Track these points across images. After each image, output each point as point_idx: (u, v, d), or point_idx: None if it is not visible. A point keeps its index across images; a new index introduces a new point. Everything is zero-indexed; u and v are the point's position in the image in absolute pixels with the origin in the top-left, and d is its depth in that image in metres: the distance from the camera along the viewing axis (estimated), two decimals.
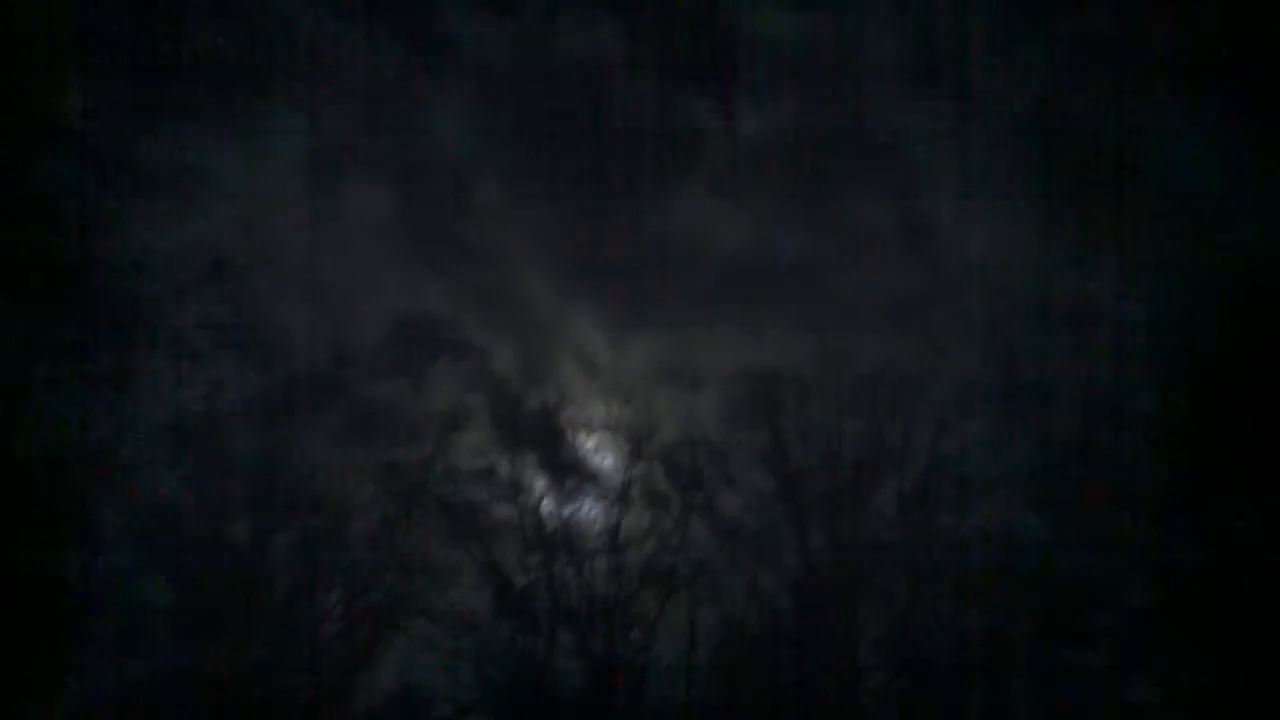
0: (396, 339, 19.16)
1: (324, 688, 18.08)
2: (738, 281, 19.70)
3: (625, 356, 19.81)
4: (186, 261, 18.20)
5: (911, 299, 19.80)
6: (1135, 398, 19.64)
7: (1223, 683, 17.77)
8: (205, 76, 17.88)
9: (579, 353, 19.74)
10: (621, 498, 19.74)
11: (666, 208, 19.68)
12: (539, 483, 19.60)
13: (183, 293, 18.38)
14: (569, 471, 19.70)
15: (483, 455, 19.48)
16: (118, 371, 18.30)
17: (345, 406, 18.90)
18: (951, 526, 20.05)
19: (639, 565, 19.60)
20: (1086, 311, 19.52)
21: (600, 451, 19.83)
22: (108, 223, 17.99)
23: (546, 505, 19.60)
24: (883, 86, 19.53)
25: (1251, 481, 18.08)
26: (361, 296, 18.95)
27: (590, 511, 19.69)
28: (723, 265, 19.80)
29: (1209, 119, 19.02)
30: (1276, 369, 18.07)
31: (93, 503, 17.74)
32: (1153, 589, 19.20)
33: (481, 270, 19.38)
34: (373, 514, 18.83)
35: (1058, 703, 19.04)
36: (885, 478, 20.22)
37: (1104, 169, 19.52)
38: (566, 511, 19.64)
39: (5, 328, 17.34)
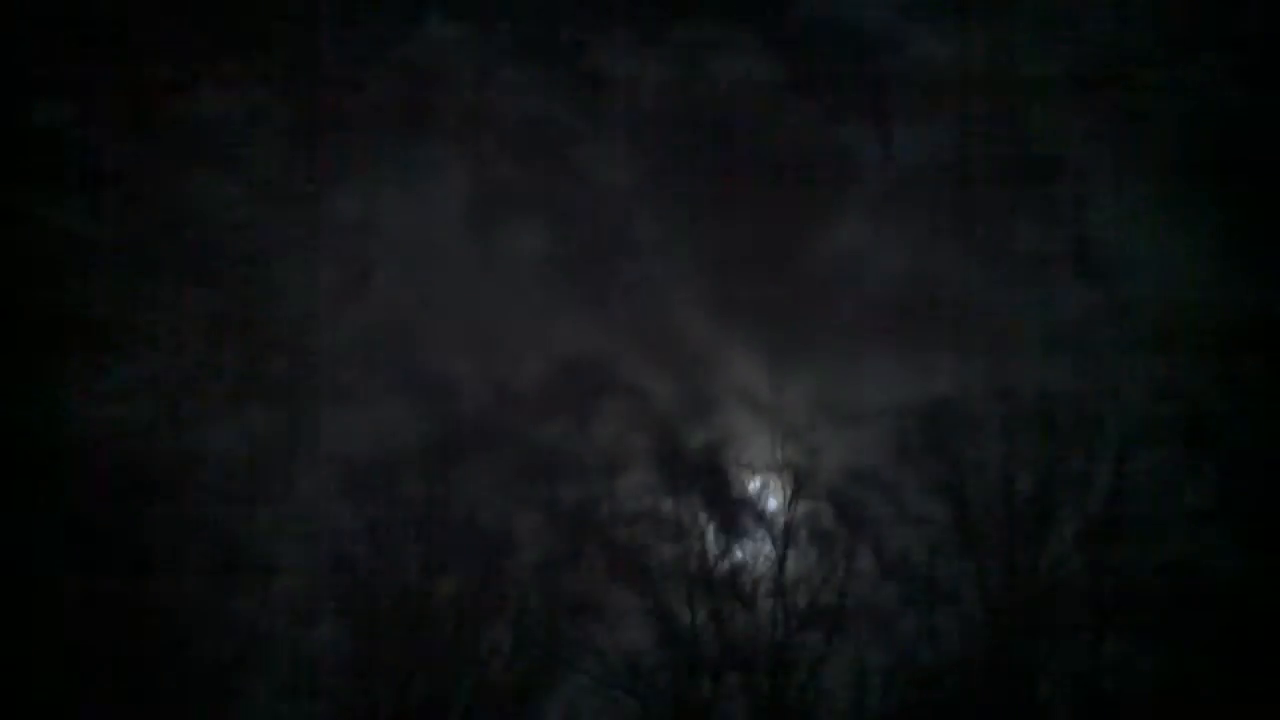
0: (558, 379, 19.25)
1: None
2: (899, 312, 19.36)
3: (786, 392, 19.53)
4: (354, 307, 18.76)
5: (1081, 324, 19.20)
6: None
7: None
8: (366, 122, 18.52)
9: (739, 389, 19.54)
10: (786, 537, 19.33)
11: (825, 238, 19.51)
12: (702, 522, 19.32)
13: (351, 340, 18.84)
14: (733, 511, 19.39)
15: (646, 495, 19.30)
16: (291, 420, 18.78)
17: (509, 447, 19.01)
18: (1135, 560, 19.25)
19: (805, 605, 19.13)
20: (1271, 334, 18.70)
21: (764, 490, 19.49)
22: (275, 268, 18.66)
23: (710, 545, 19.29)
24: (1044, 103, 19.14)
25: None
26: (522, 338, 19.14)
27: (755, 552, 19.32)
28: (883, 295, 19.49)
29: None
30: None
31: (267, 541, 18.19)
32: None
33: (641, 308, 19.40)
34: (538, 554, 18.80)
35: None
36: (1063, 510, 19.49)
37: None
38: (731, 551, 19.29)
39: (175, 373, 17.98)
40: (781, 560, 19.21)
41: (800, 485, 19.38)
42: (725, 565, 19.20)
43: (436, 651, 18.21)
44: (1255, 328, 18.68)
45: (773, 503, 19.43)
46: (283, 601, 18.03)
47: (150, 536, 17.81)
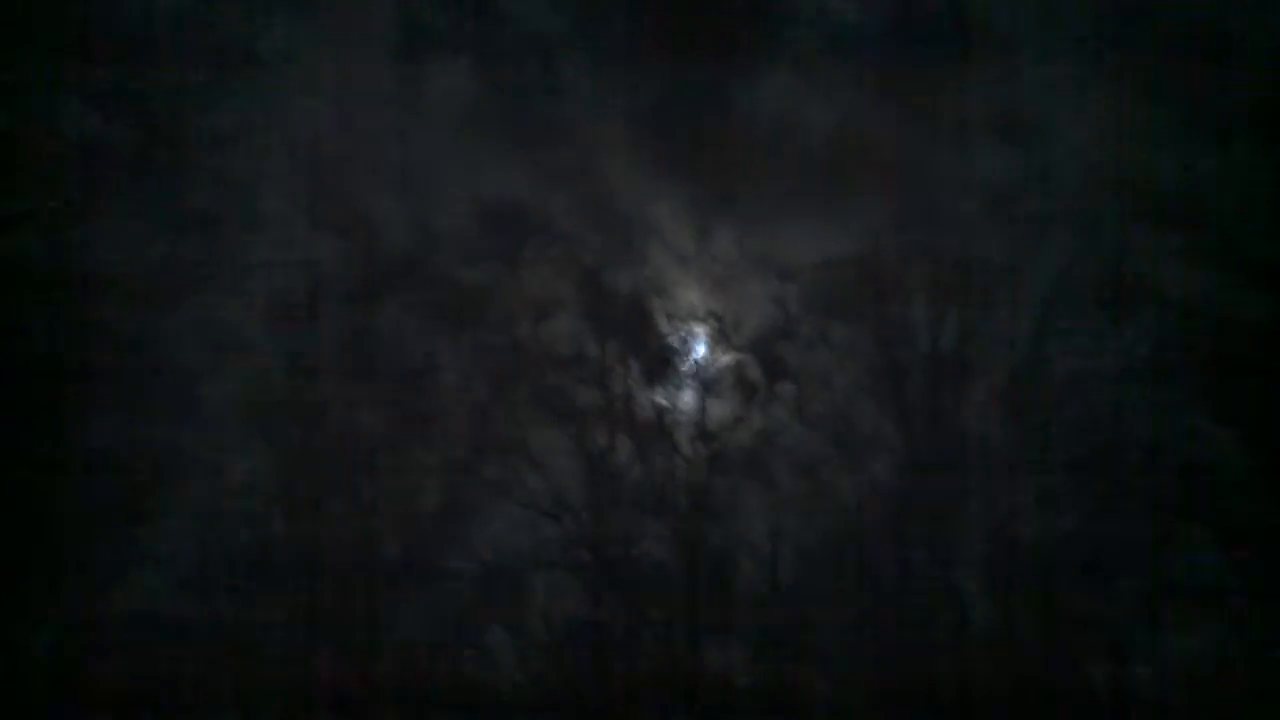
0: (484, 222, 19.11)
1: (416, 559, 18.08)
2: (826, 169, 19.42)
3: (713, 244, 19.56)
4: (279, 141, 18.44)
5: (1007, 189, 19.41)
6: (1245, 301, 19.08)
7: None
8: None
9: (666, 240, 19.52)
10: (710, 385, 19.46)
11: (755, 92, 19.43)
12: (628, 368, 19.36)
13: (273, 171, 18.54)
14: (658, 358, 19.45)
15: (573, 340, 19.30)
16: (212, 251, 18.48)
17: (434, 287, 18.90)
18: (1055, 415, 19.59)
19: (726, 448, 19.31)
20: (1194, 202, 18.97)
21: (689, 338, 19.57)
22: (201, 100, 18.31)
23: (635, 390, 19.36)
24: None
25: None
26: (448, 179, 18.93)
27: (680, 398, 19.42)
28: (811, 153, 19.51)
29: None
30: None
31: (190, 378, 17.96)
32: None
33: (568, 156, 19.24)
34: (463, 391, 18.76)
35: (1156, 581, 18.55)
36: (985, 365, 19.78)
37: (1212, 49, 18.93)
38: (655, 397, 19.38)
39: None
40: (703, 406, 19.35)
41: (725, 334, 19.50)
42: (650, 410, 19.30)
43: (361, 480, 18.17)
44: (1179, 197, 18.93)
45: (698, 351, 19.55)
46: (201, 425, 17.89)
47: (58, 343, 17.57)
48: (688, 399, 19.41)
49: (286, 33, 18.56)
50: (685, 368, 19.53)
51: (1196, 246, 18.77)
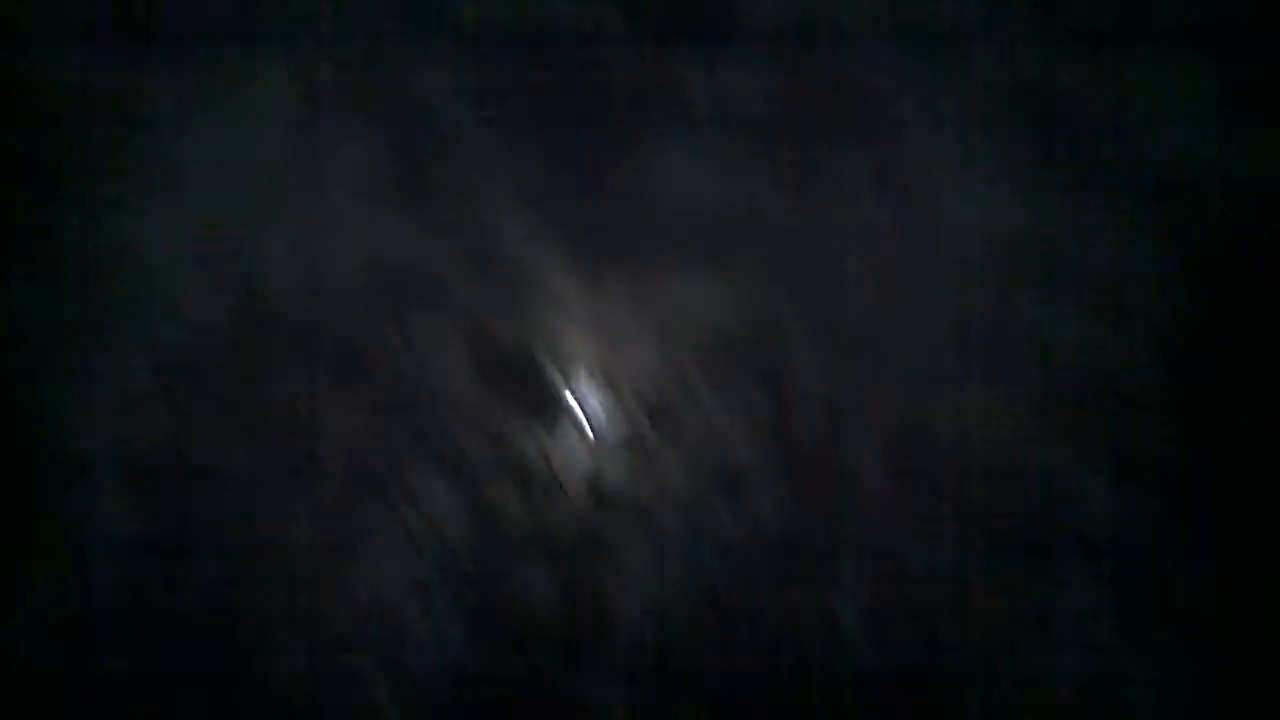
0: (375, 279, 19.39)
1: (296, 606, 17.92)
2: (718, 234, 19.98)
3: (604, 305, 19.98)
4: (168, 201, 18.77)
5: (898, 260, 19.99)
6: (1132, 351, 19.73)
7: None
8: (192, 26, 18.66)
9: (557, 300, 19.91)
10: (600, 437, 19.74)
11: (646, 163, 20.05)
12: (519, 420, 19.61)
13: (162, 231, 18.84)
14: (549, 411, 19.73)
15: (463, 393, 19.54)
16: (91, 307, 18.68)
17: (325, 342, 19.10)
18: (939, 469, 20.07)
19: (614, 496, 19.54)
20: (1085, 276, 19.66)
21: (580, 393, 19.89)
22: (94, 162, 18.67)
23: (526, 440, 19.59)
24: (873, 50, 20.00)
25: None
26: (341, 241, 19.25)
27: (570, 450, 19.67)
28: (702, 218, 20.08)
29: (1208, 84, 19.32)
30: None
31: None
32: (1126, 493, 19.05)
33: (462, 218, 19.71)
34: (354, 445, 18.85)
35: (1020, 605, 18.80)
36: (868, 437, 20.25)
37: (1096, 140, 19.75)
38: (546, 447, 19.62)
39: None
40: (595, 460, 19.59)
41: (615, 389, 19.78)
42: (540, 459, 19.51)
43: (231, 527, 18.09)
44: (1074, 270, 19.58)
45: (588, 404, 19.83)
46: (70, 474, 17.80)
47: None
48: (574, 447, 19.66)
49: (179, 99, 19.06)
50: (573, 417, 19.82)
51: (1084, 301, 19.35)
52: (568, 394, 19.75)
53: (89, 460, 18.25)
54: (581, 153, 20.01)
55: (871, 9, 20.61)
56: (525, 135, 19.86)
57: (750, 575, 19.08)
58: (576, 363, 19.76)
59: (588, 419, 19.89)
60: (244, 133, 19.23)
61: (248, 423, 18.78)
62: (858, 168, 19.92)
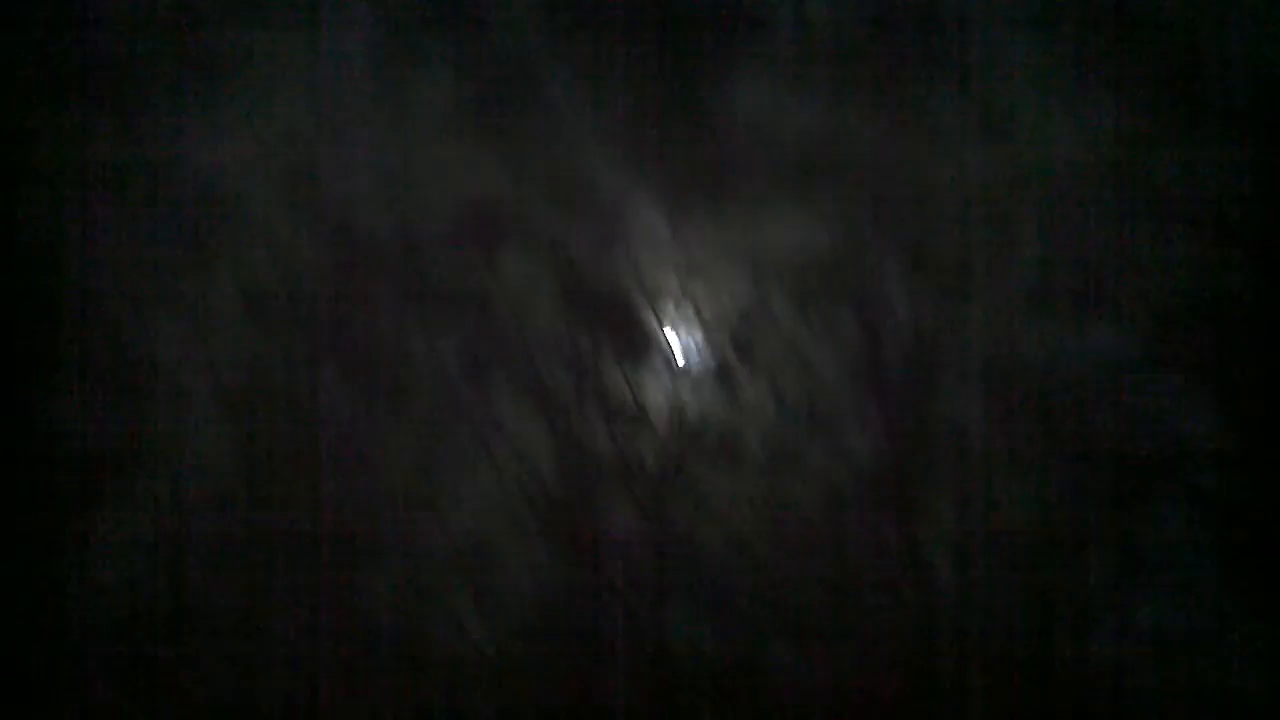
0: (465, 220, 19.38)
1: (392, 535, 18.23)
2: (806, 167, 19.66)
3: (695, 242, 19.77)
4: (262, 148, 18.99)
5: (986, 190, 19.60)
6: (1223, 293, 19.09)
7: None
8: None
9: (647, 237, 19.74)
10: (688, 368, 19.65)
11: (733, 95, 19.72)
12: (608, 355, 19.54)
13: (253, 168, 18.96)
14: (637, 346, 19.64)
15: (553, 329, 19.51)
16: (196, 247, 18.92)
17: (420, 284, 19.17)
18: (1025, 411, 19.70)
19: (702, 433, 19.46)
20: (1169, 202, 19.08)
21: (668, 328, 19.77)
22: (180, 111, 18.84)
23: (614, 375, 19.54)
24: None
25: None
26: (429, 180, 19.23)
27: (658, 385, 19.59)
28: (791, 151, 19.74)
29: None
30: None
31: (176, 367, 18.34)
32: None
33: (549, 157, 19.55)
34: (442, 378, 18.99)
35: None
36: (961, 361, 19.91)
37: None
38: (634, 382, 19.56)
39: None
40: (678, 391, 19.54)
41: (702, 320, 19.70)
42: (628, 394, 19.44)
43: (335, 457, 18.37)
44: (1165, 193, 19.02)
45: (676, 336, 19.73)
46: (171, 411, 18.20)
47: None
48: (664, 382, 19.58)
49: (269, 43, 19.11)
50: (662, 352, 19.74)
51: (1176, 238, 18.86)
52: (655, 326, 19.65)
53: (183, 389, 18.55)
54: (667, 83, 19.73)
55: None
56: (608, 68, 19.62)
57: (838, 508, 18.96)
58: (663, 295, 19.65)
59: (675, 351, 19.77)
60: (329, 68, 19.26)
61: (344, 366, 18.91)
62: (945, 97, 19.54)
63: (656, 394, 19.54)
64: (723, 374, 19.61)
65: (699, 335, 19.77)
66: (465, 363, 19.09)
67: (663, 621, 18.75)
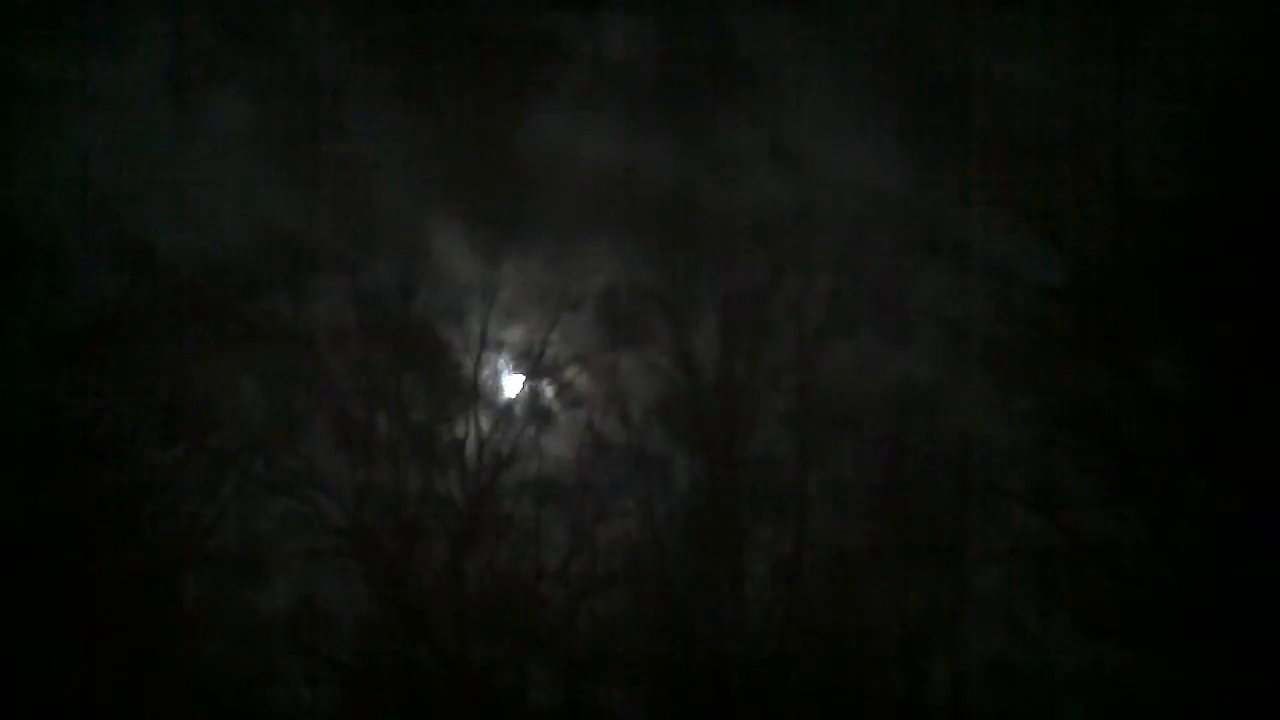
0: (269, 253, 18.82)
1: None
2: (607, 201, 19.73)
3: (500, 274, 19.60)
4: (54, 172, 18.05)
5: (780, 221, 19.97)
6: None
7: None
8: None
9: (453, 271, 19.49)
10: (505, 415, 19.35)
11: (533, 124, 19.71)
12: (420, 397, 19.13)
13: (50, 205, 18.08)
14: (450, 386, 19.28)
15: (364, 370, 19.01)
16: None
17: (227, 318, 18.48)
18: (836, 442, 20.02)
19: (524, 481, 19.15)
20: (961, 239, 19.72)
21: (482, 369, 19.49)
22: None
23: (429, 422, 19.13)
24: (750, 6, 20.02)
25: None
26: (229, 211, 18.64)
27: (473, 427, 19.26)
28: (591, 184, 19.78)
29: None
30: None
31: None
32: None
33: (349, 187, 19.17)
34: (256, 423, 18.31)
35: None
36: (771, 397, 20.13)
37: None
38: (449, 428, 19.17)
39: None
40: (498, 438, 19.24)
41: (516, 363, 19.49)
42: (444, 438, 19.05)
43: (154, 521, 17.50)
44: (949, 233, 19.62)
45: (489, 380, 19.49)
46: None
47: None
48: (481, 426, 19.27)
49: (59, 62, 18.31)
50: (479, 395, 19.43)
51: (966, 268, 19.50)
52: (466, 364, 19.34)
53: None
54: (466, 112, 19.54)
55: None
56: (409, 96, 19.30)
57: (657, 542, 18.85)
58: (473, 333, 19.38)
59: (487, 389, 19.50)
60: (124, 99, 18.49)
61: (153, 413, 18.03)
62: (742, 127, 19.85)
63: (472, 434, 19.21)
64: (537, 413, 19.43)
65: (509, 372, 19.57)
66: (275, 411, 18.46)
67: (482, 661, 18.41)
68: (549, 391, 19.66)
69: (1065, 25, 18.88)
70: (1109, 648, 18.54)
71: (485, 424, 19.31)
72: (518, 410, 19.50)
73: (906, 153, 19.56)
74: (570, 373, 19.66)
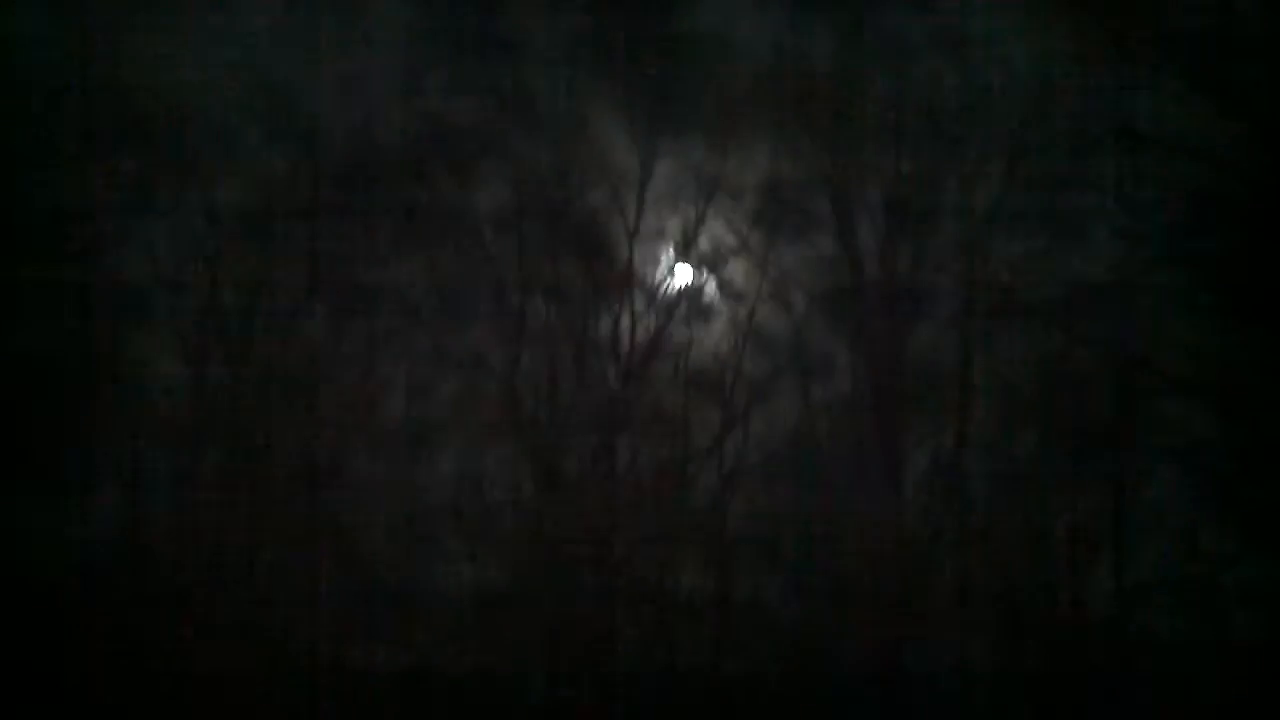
0: (432, 140, 19.13)
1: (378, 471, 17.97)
2: (768, 90, 19.42)
3: (661, 164, 19.52)
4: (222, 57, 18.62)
5: (946, 112, 19.40)
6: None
7: None
8: None
9: (614, 162, 19.49)
10: (668, 310, 19.38)
11: (693, 15, 19.47)
12: (583, 285, 19.24)
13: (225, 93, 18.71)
14: (612, 278, 19.35)
15: (527, 256, 19.21)
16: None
17: (388, 205, 18.89)
18: (1006, 341, 19.49)
19: (685, 377, 19.17)
20: (1132, 133, 18.77)
21: (643, 260, 19.51)
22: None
23: (590, 307, 19.26)
24: None
25: None
26: (394, 99, 18.99)
27: (635, 317, 19.29)
28: (753, 73, 19.49)
29: None
30: None
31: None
32: None
33: (515, 73, 19.31)
34: (425, 310, 18.74)
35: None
36: (928, 298, 19.70)
37: None
38: (611, 314, 19.24)
39: None
40: (661, 328, 19.28)
41: (677, 254, 19.45)
42: (605, 328, 19.12)
43: (324, 401, 18.11)
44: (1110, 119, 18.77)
45: (651, 270, 19.50)
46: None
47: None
48: (642, 320, 19.29)
49: None
50: (641, 286, 19.46)
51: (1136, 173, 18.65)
52: (625, 255, 19.34)
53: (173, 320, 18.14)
54: (626, 11, 19.43)
55: None
56: None
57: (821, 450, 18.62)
58: (630, 220, 19.37)
59: (646, 281, 19.48)
60: None
61: (320, 293, 18.60)
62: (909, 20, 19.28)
63: (632, 327, 19.23)
64: (697, 306, 19.37)
65: (668, 264, 19.50)
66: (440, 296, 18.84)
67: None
68: (709, 281, 19.58)
69: None
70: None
71: (642, 311, 19.33)
72: (676, 299, 19.49)
73: (1077, 36, 18.71)
74: (731, 263, 19.55)
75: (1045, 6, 18.85)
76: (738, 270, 19.55)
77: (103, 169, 18.27)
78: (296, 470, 18.34)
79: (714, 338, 19.55)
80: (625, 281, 19.28)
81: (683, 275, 19.61)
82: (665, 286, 19.54)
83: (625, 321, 19.22)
